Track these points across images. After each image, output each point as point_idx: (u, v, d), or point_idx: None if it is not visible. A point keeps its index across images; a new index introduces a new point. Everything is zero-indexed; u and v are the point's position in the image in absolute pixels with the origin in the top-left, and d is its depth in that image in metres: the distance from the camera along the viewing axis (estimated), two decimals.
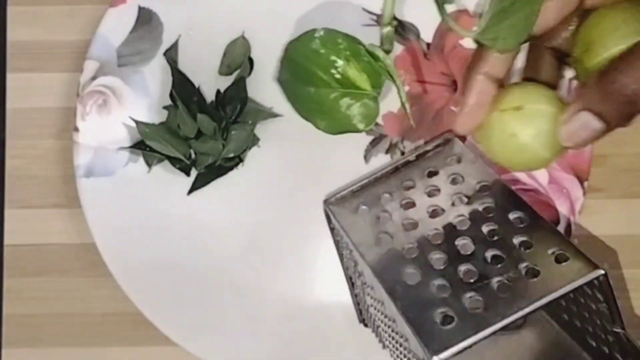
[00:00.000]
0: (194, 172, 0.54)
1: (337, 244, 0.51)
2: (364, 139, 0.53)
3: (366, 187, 0.51)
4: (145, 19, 0.54)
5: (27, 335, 0.55)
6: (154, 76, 0.54)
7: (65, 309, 0.55)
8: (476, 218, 0.45)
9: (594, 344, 0.44)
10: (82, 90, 0.53)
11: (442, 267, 0.43)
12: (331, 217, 0.51)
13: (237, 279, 0.53)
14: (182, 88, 0.53)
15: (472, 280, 0.41)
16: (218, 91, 0.54)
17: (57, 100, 0.56)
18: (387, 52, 0.46)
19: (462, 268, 0.42)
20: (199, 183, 0.54)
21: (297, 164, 0.54)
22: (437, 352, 0.37)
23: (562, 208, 0.53)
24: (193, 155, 0.54)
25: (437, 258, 0.43)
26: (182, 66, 0.54)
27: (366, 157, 0.54)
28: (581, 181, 0.53)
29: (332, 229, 0.51)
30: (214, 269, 0.53)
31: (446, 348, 0.37)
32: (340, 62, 0.44)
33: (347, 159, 0.53)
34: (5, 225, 0.56)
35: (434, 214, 0.47)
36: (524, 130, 0.43)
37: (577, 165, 0.53)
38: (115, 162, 0.54)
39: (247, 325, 0.53)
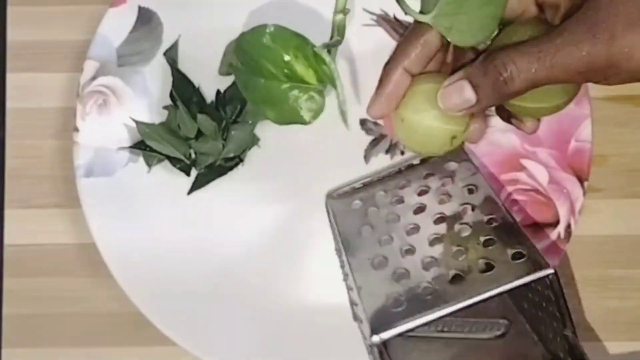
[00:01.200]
0: (194, 172, 0.54)
1: (334, 238, 0.52)
2: (364, 139, 0.53)
3: (368, 185, 0.52)
4: (146, 19, 0.54)
5: (27, 335, 0.55)
6: (154, 76, 0.54)
7: (65, 309, 0.55)
8: (454, 216, 0.47)
9: (550, 348, 0.45)
10: (82, 90, 0.53)
11: (408, 257, 0.45)
12: (329, 210, 0.51)
13: (237, 279, 0.53)
14: (182, 88, 0.53)
15: (431, 271, 0.43)
16: (218, 91, 0.54)
17: (57, 100, 0.56)
18: (339, 43, 0.46)
19: (427, 260, 0.44)
20: (199, 183, 0.54)
21: (297, 164, 0.54)
22: (377, 331, 0.39)
23: (562, 208, 0.53)
24: (193, 155, 0.54)
25: (407, 249, 0.45)
26: (182, 66, 0.54)
27: (366, 157, 0.54)
28: (581, 181, 0.53)
29: (329, 223, 0.52)
30: (214, 268, 0.53)
31: (387, 328, 0.39)
32: (288, 58, 0.44)
33: (347, 158, 0.53)
34: (5, 225, 0.56)
35: (418, 210, 0.48)
36: (418, 114, 0.44)
37: (577, 165, 0.53)
38: (115, 162, 0.54)
39: (247, 324, 0.53)
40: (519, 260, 0.41)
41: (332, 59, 0.45)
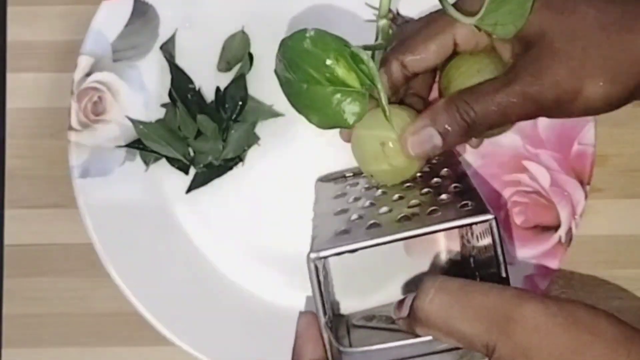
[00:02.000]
0: (192, 170, 0.54)
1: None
2: None
3: (358, 174, 0.52)
4: (141, 12, 0.54)
5: (27, 335, 0.55)
6: (150, 71, 0.54)
7: (65, 309, 0.55)
8: (418, 184, 0.48)
9: None
10: (77, 88, 0.53)
11: (365, 205, 0.46)
12: (315, 190, 0.52)
13: (235, 279, 0.53)
14: (181, 85, 0.53)
15: (383, 215, 0.44)
16: (218, 89, 0.53)
17: (57, 100, 0.56)
18: (383, 47, 0.46)
19: (383, 209, 0.45)
20: (197, 182, 0.54)
21: (297, 163, 0.54)
22: (313, 251, 0.42)
23: (564, 211, 0.52)
24: (192, 153, 0.53)
25: (367, 201, 0.47)
26: (180, 61, 0.54)
27: None
28: (583, 184, 0.53)
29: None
30: (213, 268, 0.53)
31: (321, 250, 0.41)
32: (329, 62, 0.45)
33: (348, 158, 0.53)
34: (5, 225, 0.56)
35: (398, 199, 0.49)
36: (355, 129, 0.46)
37: (579, 168, 0.53)
38: (111, 161, 0.53)
39: (245, 324, 0.53)
40: (465, 208, 0.42)
41: (376, 62, 0.46)
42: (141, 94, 0.54)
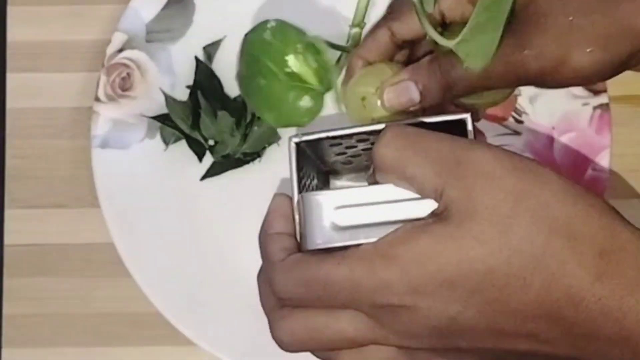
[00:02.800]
0: (207, 159, 0.54)
1: None
2: None
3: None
4: None
5: (27, 335, 0.55)
6: (181, 56, 0.54)
7: (65, 309, 0.55)
8: None
9: None
10: (107, 62, 0.54)
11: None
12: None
13: (244, 272, 0.53)
14: (206, 81, 0.54)
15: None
16: None
17: (57, 100, 0.56)
18: (348, 51, 0.46)
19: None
20: (213, 171, 0.54)
21: None
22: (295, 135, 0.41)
23: None
24: (212, 142, 0.54)
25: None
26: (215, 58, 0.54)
27: None
28: None
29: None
30: (220, 254, 0.53)
31: (303, 135, 0.41)
32: (289, 55, 0.45)
33: None
34: (5, 225, 0.56)
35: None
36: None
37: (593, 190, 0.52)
38: (131, 136, 0.54)
39: (258, 319, 0.52)
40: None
41: (343, 64, 0.45)
42: (169, 76, 0.54)
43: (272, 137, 0.54)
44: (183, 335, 0.52)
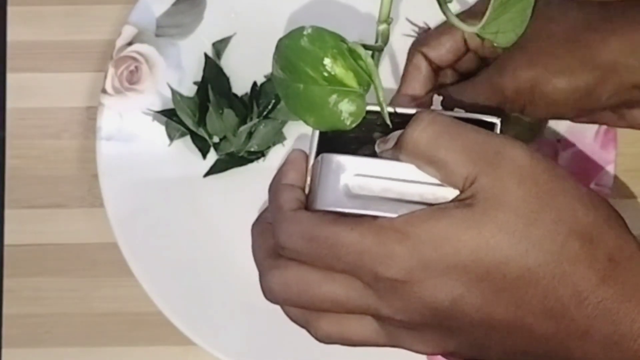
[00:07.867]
0: (211, 156, 0.54)
1: None
2: None
3: None
4: None
5: (27, 335, 0.55)
6: (189, 52, 0.55)
7: (65, 309, 0.55)
8: None
9: None
10: (116, 54, 0.54)
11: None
12: None
13: (242, 266, 0.53)
14: (215, 79, 0.54)
15: None
16: (254, 83, 0.54)
17: (57, 100, 0.56)
18: (380, 49, 0.46)
19: None
20: (217, 168, 0.54)
21: None
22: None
23: None
24: (216, 139, 0.54)
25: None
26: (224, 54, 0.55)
27: None
28: None
29: None
30: (222, 253, 0.53)
31: None
32: (327, 60, 0.44)
33: None
34: (5, 225, 0.56)
35: None
36: None
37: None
38: (137, 130, 0.54)
39: (258, 318, 0.52)
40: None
41: (376, 64, 0.45)
42: (177, 71, 0.55)
43: (277, 137, 0.54)
44: (183, 335, 0.52)
